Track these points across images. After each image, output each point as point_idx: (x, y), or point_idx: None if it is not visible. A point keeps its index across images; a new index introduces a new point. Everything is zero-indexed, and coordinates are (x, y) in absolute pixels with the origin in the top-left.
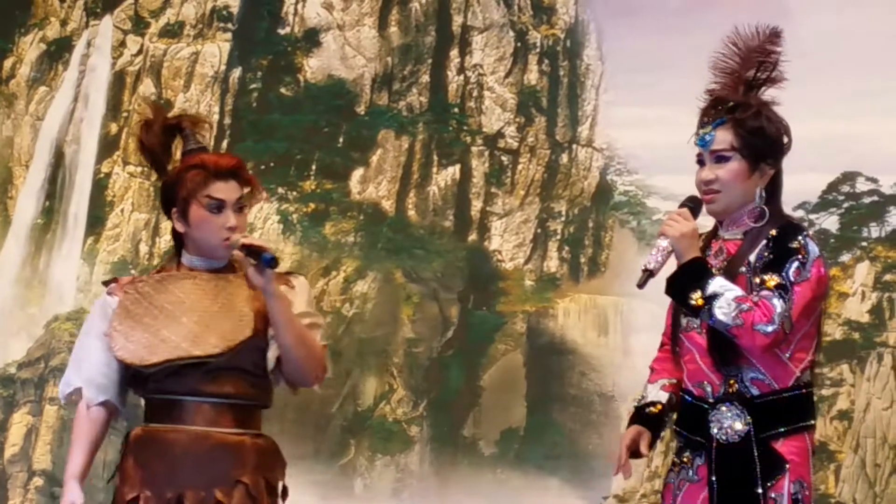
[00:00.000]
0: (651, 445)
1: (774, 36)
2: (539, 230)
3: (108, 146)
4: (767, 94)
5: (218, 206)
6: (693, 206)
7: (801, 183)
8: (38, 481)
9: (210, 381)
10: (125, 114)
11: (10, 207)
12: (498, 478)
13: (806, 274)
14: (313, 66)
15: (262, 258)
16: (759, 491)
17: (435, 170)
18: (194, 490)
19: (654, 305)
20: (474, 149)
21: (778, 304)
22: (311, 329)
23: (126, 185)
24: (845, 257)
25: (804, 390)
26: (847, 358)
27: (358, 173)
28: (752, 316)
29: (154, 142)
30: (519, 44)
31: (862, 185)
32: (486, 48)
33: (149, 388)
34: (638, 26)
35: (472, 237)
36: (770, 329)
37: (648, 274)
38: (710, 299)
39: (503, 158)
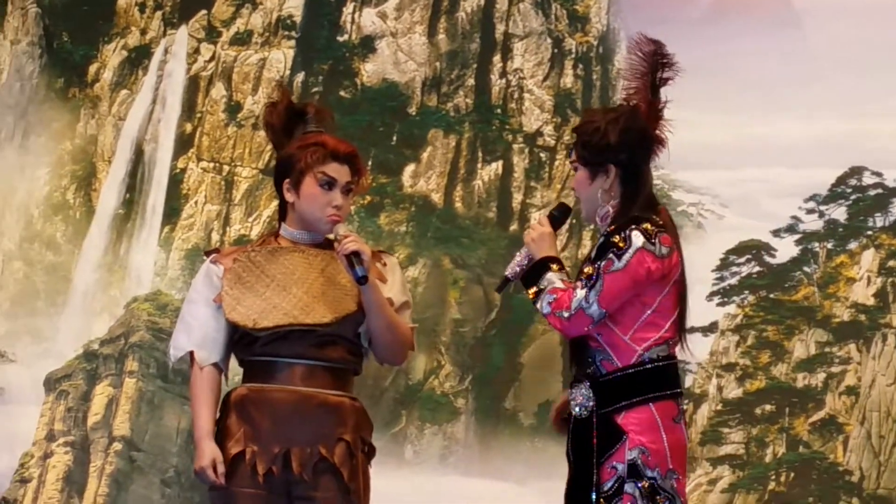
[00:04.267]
0: None
1: (661, 44)
2: (573, 220)
3: (183, 144)
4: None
5: (329, 184)
6: (558, 213)
7: (811, 177)
8: (117, 446)
9: (316, 346)
10: (199, 115)
11: (94, 199)
12: (535, 446)
13: (619, 264)
14: (369, 71)
15: (353, 273)
16: (594, 461)
17: (480, 165)
18: (300, 446)
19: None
20: (515, 146)
21: (580, 292)
22: (402, 310)
23: (199, 179)
24: (852, 245)
25: (649, 366)
26: (854, 338)
27: (410, 169)
28: (556, 303)
29: (276, 121)
30: (556, 50)
31: (868, 179)
32: (525, 54)
33: (255, 350)
34: (664, 34)
35: (514, 227)
36: (566, 315)
37: (505, 280)
38: (537, 294)
39: (541, 155)
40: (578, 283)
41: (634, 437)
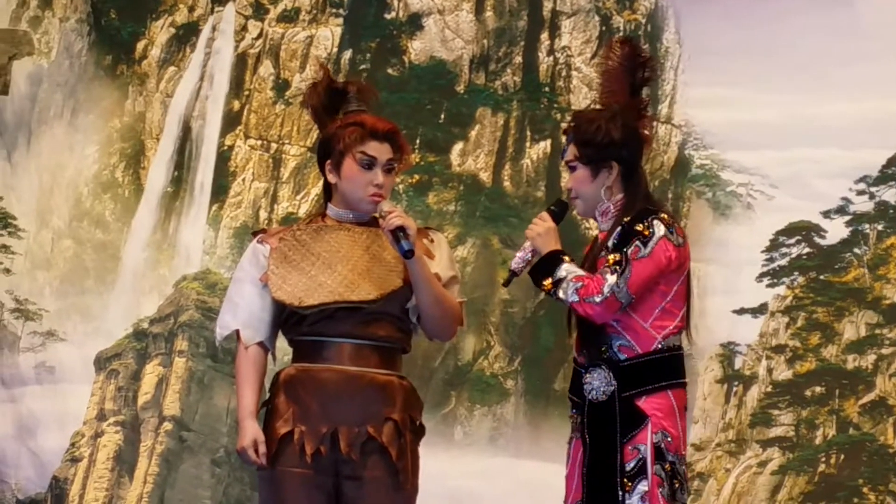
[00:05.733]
0: None
1: (636, 44)
2: None
3: (231, 121)
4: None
5: (369, 163)
6: (557, 209)
7: (862, 157)
8: (167, 426)
9: (363, 325)
10: (246, 92)
11: (143, 177)
12: None
13: (645, 251)
14: (417, 49)
15: (399, 248)
16: (619, 442)
17: (528, 144)
18: (348, 426)
19: (728, 270)
20: (564, 125)
21: (610, 278)
22: (450, 285)
23: (247, 156)
24: None
25: (667, 354)
26: None
27: (458, 147)
28: (585, 290)
29: (317, 101)
30: (603, 28)
31: None
32: (573, 32)
33: (302, 330)
34: (713, 12)
35: None
36: (598, 299)
37: (512, 274)
38: (556, 283)
39: None
40: (607, 270)
41: (657, 422)
